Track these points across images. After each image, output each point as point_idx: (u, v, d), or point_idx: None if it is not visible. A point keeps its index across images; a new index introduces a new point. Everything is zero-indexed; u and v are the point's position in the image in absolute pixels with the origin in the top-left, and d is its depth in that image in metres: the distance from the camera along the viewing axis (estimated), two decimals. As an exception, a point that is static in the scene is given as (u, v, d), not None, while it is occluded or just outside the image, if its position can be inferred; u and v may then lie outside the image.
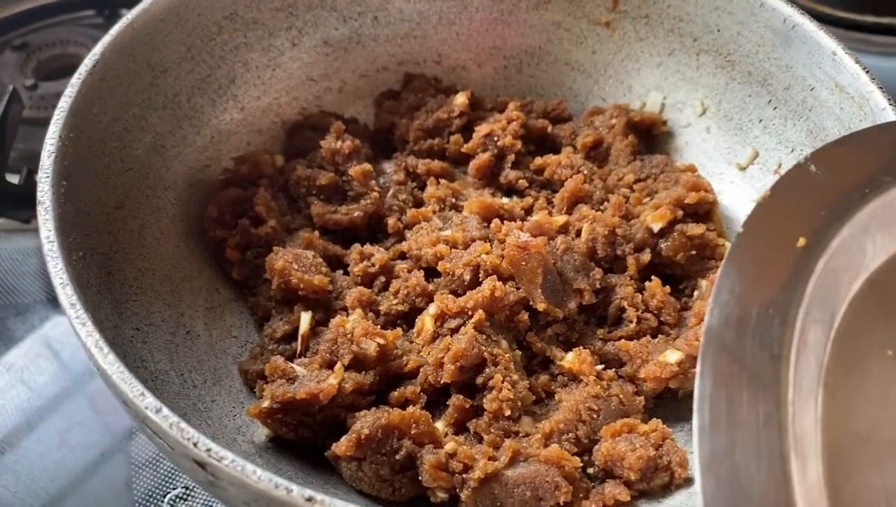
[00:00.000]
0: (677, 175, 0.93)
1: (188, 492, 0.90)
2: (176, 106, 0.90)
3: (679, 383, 0.79)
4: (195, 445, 0.55)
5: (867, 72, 0.81)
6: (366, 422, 0.71)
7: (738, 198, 0.96)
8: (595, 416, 0.76)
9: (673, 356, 0.79)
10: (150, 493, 0.89)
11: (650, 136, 1.02)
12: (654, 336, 0.84)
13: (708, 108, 0.99)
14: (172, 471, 0.91)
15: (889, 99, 0.79)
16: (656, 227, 0.87)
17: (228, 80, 0.96)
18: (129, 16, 0.84)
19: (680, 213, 0.87)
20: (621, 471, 0.73)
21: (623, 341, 0.83)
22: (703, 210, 0.89)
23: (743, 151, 0.97)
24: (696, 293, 0.88)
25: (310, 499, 0.52)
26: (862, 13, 1.40)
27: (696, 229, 0.87)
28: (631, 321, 0.84)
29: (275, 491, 0.53)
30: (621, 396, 0.78)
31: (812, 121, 0.88)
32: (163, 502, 0.89)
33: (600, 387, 0.78)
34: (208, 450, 0.54)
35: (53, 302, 1.09)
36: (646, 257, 0.87)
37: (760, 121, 0.94)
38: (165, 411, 0.56)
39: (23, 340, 1.04)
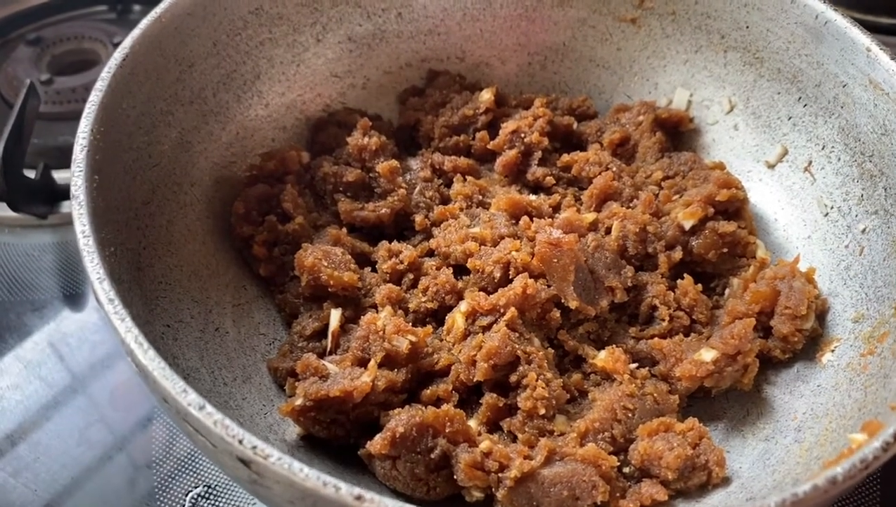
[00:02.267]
0: (706, 172, 0.92)
1: (210, 490, 0.89)
2: (202, 101, 0.89)
3: (714, 382, 0.79)
4: (241, 442, 0.54)
5: (902, 68, 0.81)
6: (400, 420, 0.70)
7: (767, 196, 0.95)
8: (630, 415, 0.76)
9: (708, 355, 0.78)
10: (170, 491, 0.88)
11: (677, 133, 1.01)
12: (686, 335, 0.84)
13: (735, 105, 0.99)
14: (191, 467, 0.90)
15: (925, 96, 0.79)
16: (688, 224, 0.86)
17: (253, 76, 0.95)
18: (156, 10, 0.83)
19: (711, 210, 0.87)
20: (658, 470, 0.72)
21: (656, 339, 0.82)
22: (734, 208, 0.89)
23: (772, 148, 0.96)
24: (727, 292, 0.88)
25: (359, 497, 0.51)
26: (877, 15, 1.40)
27: (727, 227, 0.86)
28: (663, 320, 0.84)
29: (323, 489, 0.52)
30: (656, 394, 0.78)
31: (844, 118, 0.87)
32: (184, 500, 0.88)
33: (634, 386, 0.78)
34: (254, 447, 0.54)
35: (69, 298, 1.08)
36: (677, 254, 0.86)
37: (790, 118, 0.94)
38: (209, 408, 0.55)
39: (39, 336, 1.03)
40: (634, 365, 0.81)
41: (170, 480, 0.89)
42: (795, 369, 0.83)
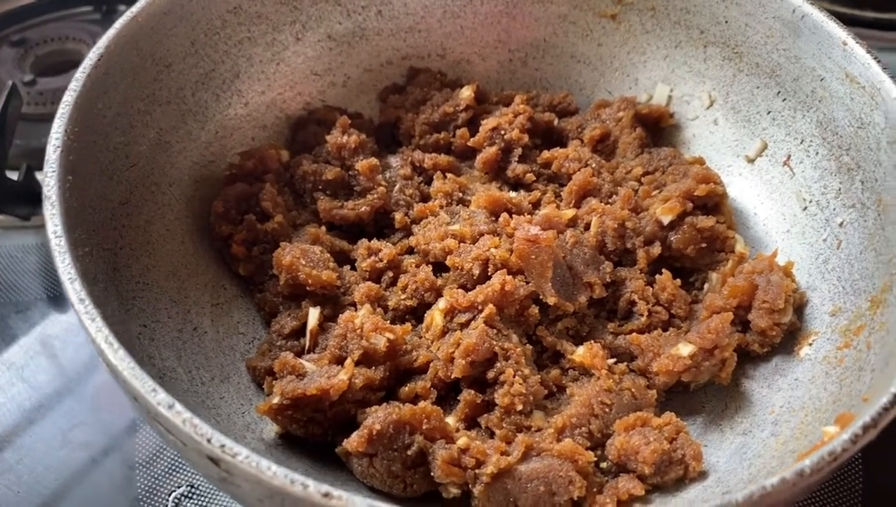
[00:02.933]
0: (686, 168, 0.92)
1: (193, 490, 0.89)
2: (180, 101, 0.89)
3: (691, 377, 0.79)
4: (209, 441, 0.54)
5: (878, 61, 0.81)
6: (377, 417, 0.70)
7: (747, 190, 0.95)
8: (608, 410, 0.76)
9: (685, 349, 0.78)
10: (153, 491, 0.88)
11: (657, 128, 1.01)
12: (664, 329, 0.84)
13: (715, 100, 0.99)
14: (176, 469, 0.90)
15: (901, 88, 0.79)
16: (666, 219, 0.86)
17: (232, 75, 0.95)
18: (133, 9, 0.83)
19: (689, 205, 0.87)
20: (635, 465, 0.72)
21: (634, 334, 0.82)
22: (713, 202, 0.89)
23: (751, 142, 0.96)
24: (706, 286, 0.88)
25: (326, 495, 0.51)
26: (862, 9, 1.40)
27: (706, 222, 0.86)
28: (641, 315, 0.84)
29: (291, 487, 0.52)
30: (633, 389, 0.78)
31: (822, 112, 0.87)
32: (167, 500, 0.88)
33: (612, 381, 0.78)
34: (222, 446, 0.54)
35: (54, 300, 1.07)
36: (656, 249, 0.86)
37: (769, 112, 0.94)
38: (178, 406, 0.55)
39: (23, 338, 1.03)
40: (612, 360, 0.81)
41: (154, 480, 0.89)
42: (774, 362, 0.83)
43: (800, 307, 0.84)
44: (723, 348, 0.78)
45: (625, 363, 0.82)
